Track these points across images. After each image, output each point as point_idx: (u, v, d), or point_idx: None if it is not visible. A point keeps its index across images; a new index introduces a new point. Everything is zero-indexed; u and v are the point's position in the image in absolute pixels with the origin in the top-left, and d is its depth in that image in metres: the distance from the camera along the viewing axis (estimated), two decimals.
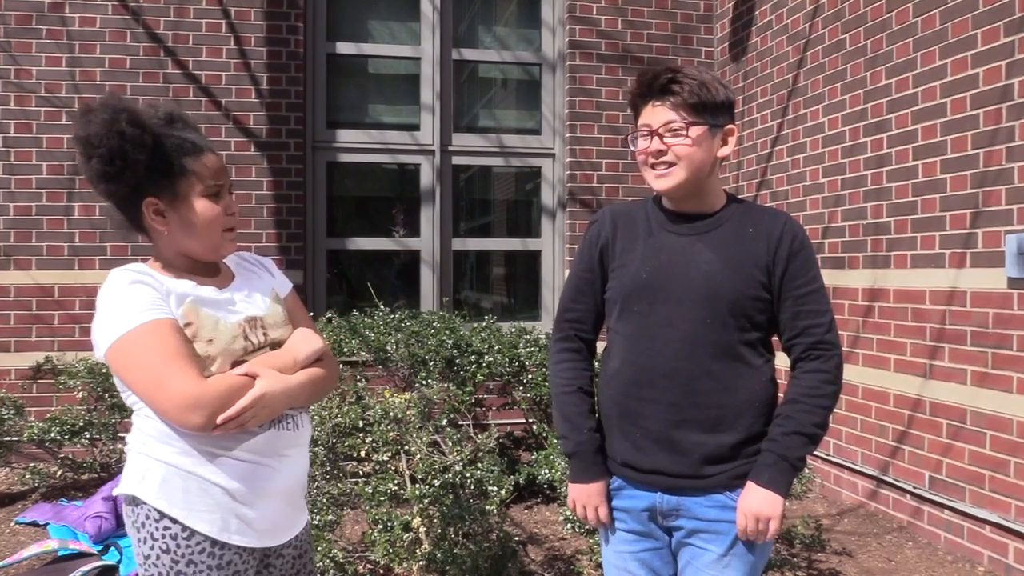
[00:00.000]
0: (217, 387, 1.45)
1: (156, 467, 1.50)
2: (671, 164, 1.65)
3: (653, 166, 1.68)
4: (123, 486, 1.54)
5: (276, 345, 1.63)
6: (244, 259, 1.78)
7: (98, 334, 1.50)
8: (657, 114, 1.65)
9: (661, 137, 1.64)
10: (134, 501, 1.52)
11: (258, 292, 1.69)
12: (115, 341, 1.46)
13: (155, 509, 1.49)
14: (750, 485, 1.65)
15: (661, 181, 1.67)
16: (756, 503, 1.63)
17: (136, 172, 1.49)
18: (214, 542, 1.50)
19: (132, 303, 1.47)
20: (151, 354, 1.44)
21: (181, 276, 1.58)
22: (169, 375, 1.42)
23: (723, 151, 1.69)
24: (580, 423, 1.77)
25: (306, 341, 1.66)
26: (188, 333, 1.50)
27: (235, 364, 1.54)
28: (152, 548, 1.49)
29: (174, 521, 1.49)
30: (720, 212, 1.73)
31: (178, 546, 1.48)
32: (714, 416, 1.65)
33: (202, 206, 1.55)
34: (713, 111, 1.64)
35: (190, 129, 1.62)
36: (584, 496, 1.77)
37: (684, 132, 1.63)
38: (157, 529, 1.49)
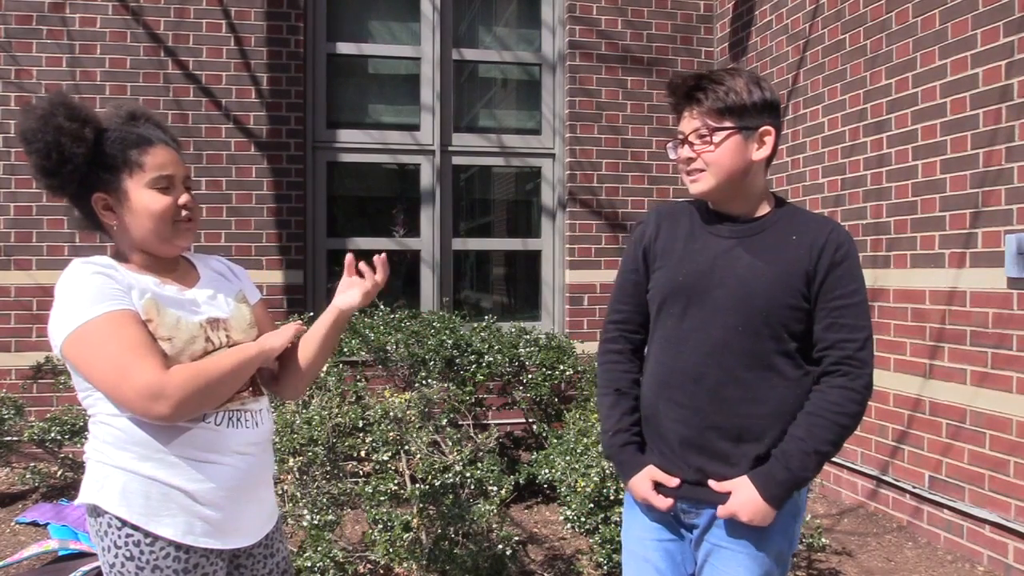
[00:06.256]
0: (181, 375, 1.42)
1: (115, 474, 1.47)
2: (702, 170, 1.66)
3: (688, 172, 1.70)
4: (83, 495, 1.50)
5: None
6: (214, 261, 1.75)
7: (54, 325, 1.45)
8: (687, 122, 1.68)
9: (691, 145, 1.66)
10: (95, 511, 1.49)
11: (223, 294, 1.65)
12: (73, 331, 1.41)
13: (116, 517, 1.46)
14: (752, 490, 1.60)
15: (694, 186, 1.69)
16: (750, 511, 1.60)
17: (75, 166, 1.45)
18: (179, 546, 1.48)
19: (92, 293, 1.43)
20: (113, 344, 1.40)
21: (143, 272, 1.54)
22: (132, 364, 1.39)
23: (759, 154, 1.65)
24: (608, 426, 1.79)
25: (279, 334, 1.67)
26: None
27: None
28: (116, 556, 1.46)
29: (135, 528, 1.45)
30: (765, 216, 1.70)
31: (141, 552, 1.46)
32: (739, 425, 1.62)
33: (148, 198, 1.51)
34: (741, 114, 1.62)
35: (151, 126, 1.57)
36: (635, 490, 1.75)
37: (709, 139, 1.63)
38: (120, 537, 1.46)
